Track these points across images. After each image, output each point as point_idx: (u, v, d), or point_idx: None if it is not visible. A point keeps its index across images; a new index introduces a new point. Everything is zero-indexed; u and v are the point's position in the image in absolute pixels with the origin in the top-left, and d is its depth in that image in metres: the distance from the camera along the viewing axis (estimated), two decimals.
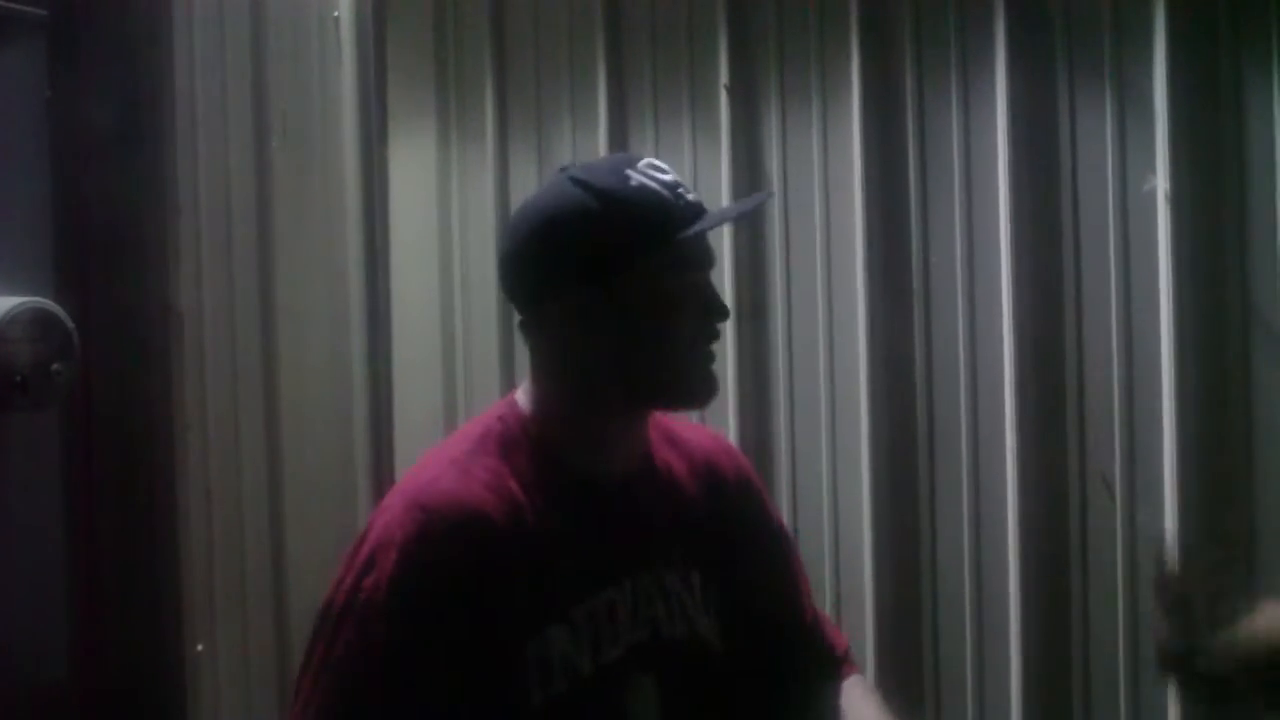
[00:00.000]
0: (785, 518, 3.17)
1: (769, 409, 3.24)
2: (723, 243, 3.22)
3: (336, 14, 2.88)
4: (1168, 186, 2.83)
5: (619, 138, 3.38)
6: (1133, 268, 2.90)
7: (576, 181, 1.73)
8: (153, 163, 2.59)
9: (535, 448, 1.73)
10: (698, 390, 1.74)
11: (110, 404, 2.54)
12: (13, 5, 2.41)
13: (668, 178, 1.77)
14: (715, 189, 3.25)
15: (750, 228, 3.23)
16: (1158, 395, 2.84)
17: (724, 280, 3.22)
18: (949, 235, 3.05)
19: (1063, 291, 2.96)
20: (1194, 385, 2.83)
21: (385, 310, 3.23)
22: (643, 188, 1.73)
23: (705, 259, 1.77)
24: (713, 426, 3.26)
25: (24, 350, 2.28)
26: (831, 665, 1.98)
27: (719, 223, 1.86)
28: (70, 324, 2.34)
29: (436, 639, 1.60)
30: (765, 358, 3.24)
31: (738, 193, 3.23)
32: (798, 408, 3.21)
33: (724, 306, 1.75)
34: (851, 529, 3.13)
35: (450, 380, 3.48)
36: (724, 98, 3.25)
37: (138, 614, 2.62)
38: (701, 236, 1.75)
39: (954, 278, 3.04)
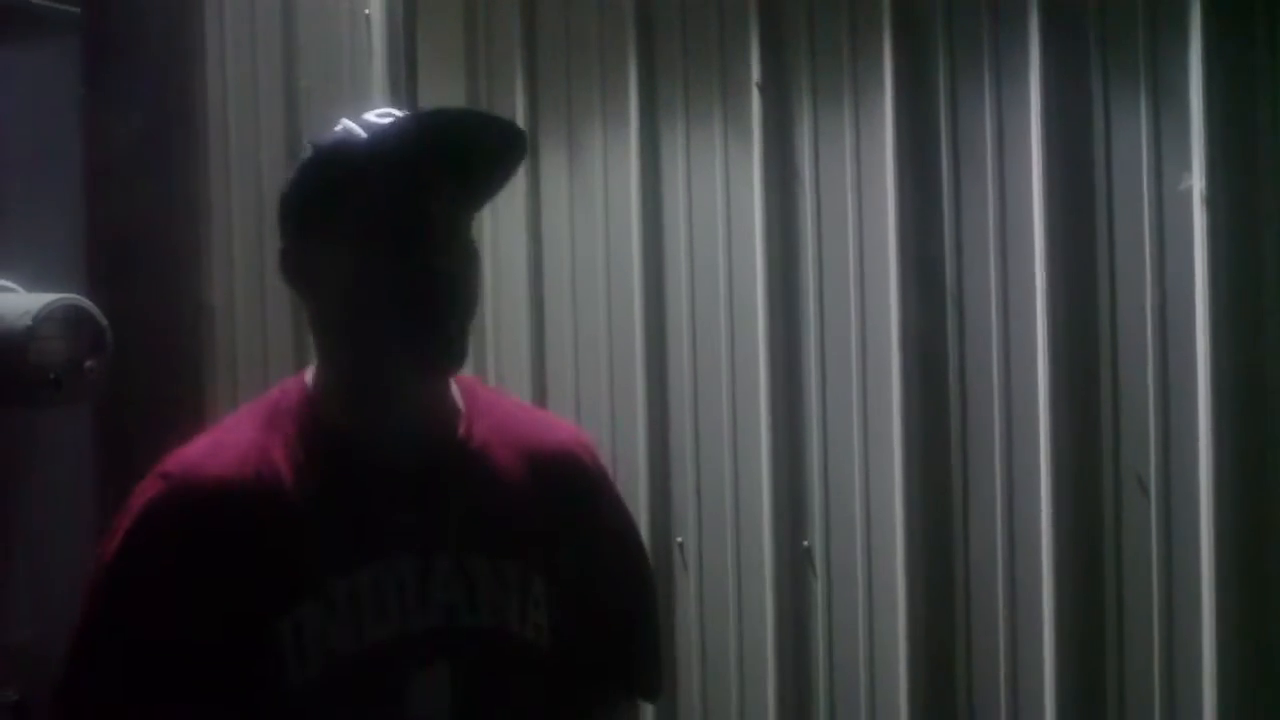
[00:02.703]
0: (817, 518, 3.19)
1: (801, 406, 3.23)
2: (755, 239, 3.22)
3: (368, 11, 2.88)
4: (1203, 185, 2.81)
5: (650, 135, 3.37)
6: (1168, 266, 2.88)
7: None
8: (185, 159, 2.58)
9: (310, 419, 1.61)
10: (398, 363, 1.59)
11: (143, 401, 2.54)
12: (45, 3, 2.42)
13: (382, 120, 1.58)
14: (747, 187, 3.24)
15: (782, 225, 3.22)
16: (1193, 393, 2.83)
17: (755, 279, 3.22)
18: (982, 233, 3.03)
19: (1097, 290, 2.94)
20: (1230, 383, 2.81)
21: None
22: (344, 130, 1.58)
23: (404, 206, 1.55)
24: (744, 424, 3.26)
25: (57, 347, 2.28)
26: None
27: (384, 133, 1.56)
28: (103, 321, 2.33)
29: (154, 607, 1.52)
30: (797, 355, 3.23)
31: (769, 191, 3.22)
32: (830, 405, 3.20)
33: (414, 272, 1.53)
34: (884, 527, 3.11)
35: (480, 376, 3.49)
36: (756, 95, 3.24)
37: None
38: (406, 182, 1.55)
39: (987, 275, 3.03)
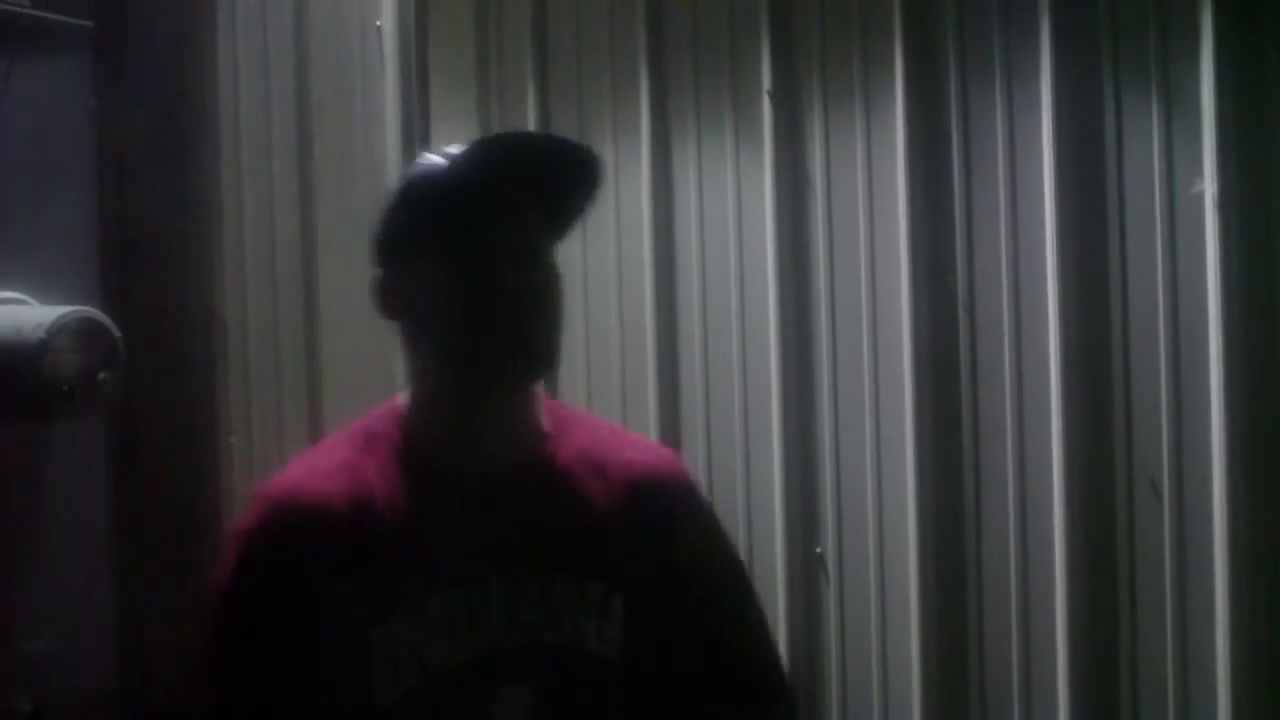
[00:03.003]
0: (829, 526, 3.19)
1: (813, 412, 3.23)
2: (766, 247, 3.22)
3: (379, 23, 2.88)
4: (1215, 189, 2.80)
5: (661, 144, 3.38)
6: (1180, 271, 2.87)
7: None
8: (196, 171, 2.59)
9: (402, 441, 1.69)
10: (483, 376, 1.65)
11: (155, 412, 2.55)
12: (58, 17, 2.43)
13: (459, 151, 1.66)
14: (759, 194, 3.25)
15: (793, 234, 3.22)
16: (1206, 397, 2.82)
17: (767, 287, 3.22)
18: (994, 239, 3.03)
19: (1109, 295, 2.93)
20: (1243, 388, 2.80)
21: None
22: (425, 164, 1.70)
23: (479, 228, 1.63)
24: (756, 431, 3.26)
25: (71, 359, 2.28)
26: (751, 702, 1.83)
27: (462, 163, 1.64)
28: (117, 333, 2.34)
29: (269, 626, 1.61)
30: (809, 362, 3.23)
31: (781, 199, 3.23)
32: (842, 411, 3.20)
33: (492, 289, 1.61)
34: (897, 532, 3.11)
35: None
36: (767, 103, 3.24)
37: (184, 618, 2.63)
38: (483, 213, 1.63)
39: (999, 281, 3.02)
